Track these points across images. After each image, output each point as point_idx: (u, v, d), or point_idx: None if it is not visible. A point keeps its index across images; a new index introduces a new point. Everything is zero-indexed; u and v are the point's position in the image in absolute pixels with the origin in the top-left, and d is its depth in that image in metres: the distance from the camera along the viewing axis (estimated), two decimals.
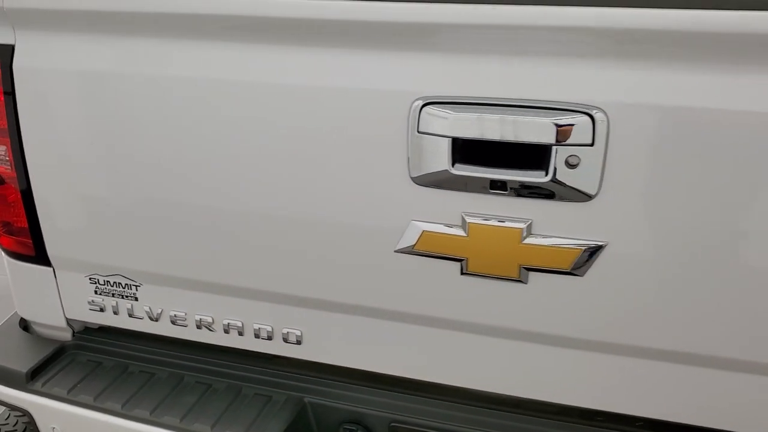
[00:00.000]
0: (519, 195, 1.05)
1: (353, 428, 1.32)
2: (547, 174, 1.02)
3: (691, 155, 0.98)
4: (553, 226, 1.06)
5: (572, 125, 0.99)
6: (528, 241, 1.08)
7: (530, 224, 1.07)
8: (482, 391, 1.24)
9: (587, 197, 1.03)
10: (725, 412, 1.13)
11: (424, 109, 1.05)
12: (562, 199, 1.04)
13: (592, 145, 1.00)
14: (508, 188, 1.05)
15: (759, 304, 1.03)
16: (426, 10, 1.02)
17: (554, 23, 0.97)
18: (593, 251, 1.06)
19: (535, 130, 1.01)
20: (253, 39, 1.10)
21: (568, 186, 1.02)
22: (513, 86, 1.02)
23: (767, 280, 1.01)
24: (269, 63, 1.11)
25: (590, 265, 1.07)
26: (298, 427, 1.32)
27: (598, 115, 0.98)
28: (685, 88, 0.96)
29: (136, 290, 1.41)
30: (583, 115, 0.99)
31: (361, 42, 1.07)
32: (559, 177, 1.02)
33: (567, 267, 1.07)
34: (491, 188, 1.06)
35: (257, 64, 1.12)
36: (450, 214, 1.10)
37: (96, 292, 1.44)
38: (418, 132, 1.06)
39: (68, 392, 1.39)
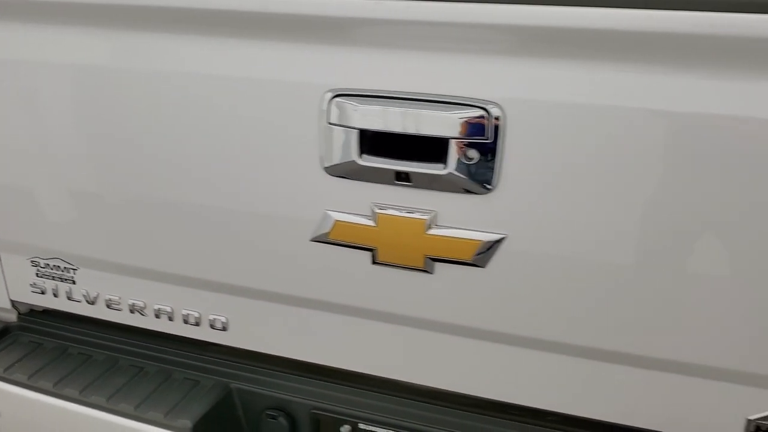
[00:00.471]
0: (422, 187, 1.09)
1: (275, 414, 1.35)
2: (446, 167, 1.06)
3: (585, 151, 1.01)
4: (455, 218, 1.09)
5: (468, 120, 1.02)
6: (432, 232, 1.11)
7: (434, 216, 1.10)
8: (397, 380, 1.27)
9: (485, 190, 1.05)
10: (630, 408, 1.15)
11: (333, 101, 1.09)
12: (462, 191, 1.07)
13: (488, 139, 1.03)
14: (412, 180, 1.09)
15: (657, 298, 1.05)
16: (337, 4, 1.05)
17: (455, 20, 1.01)
18: (493, 243, 1.09)
19: (434, 123, 1.04)
20: (166, 28, 1.14)
21: (466, 179, 1.05)
22: (415, 81, 1.05)
23: (663, 274, 1.04)
24: (184, 53, 1.15)
25: (491, 257, 1.10)
26: (221, 411, 1.35)
27: (493, 110, 1.01)
28: (580, 85, 0.99)
29: (74, 273, 1.46)
30: (479, 109, 1.02)
31: (275, 34, 1.11)
32: (457, 170, 1.05)
33: (469, 258, 1.10)
34: (397, 179, 1.09)
35: (174, 53, 1.16)
36: (360, 204, 1.14)
37: (37, 275, 1.49)
38: (328, 123, 1.10)
39: (4, 371, 1.43)
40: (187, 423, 1.28)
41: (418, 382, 1.26)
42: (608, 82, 0.98)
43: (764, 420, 1.07)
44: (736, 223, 0.97)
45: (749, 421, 1.08)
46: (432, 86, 1.05)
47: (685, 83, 0.94)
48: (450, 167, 1.05)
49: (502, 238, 1.08)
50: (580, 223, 1.05)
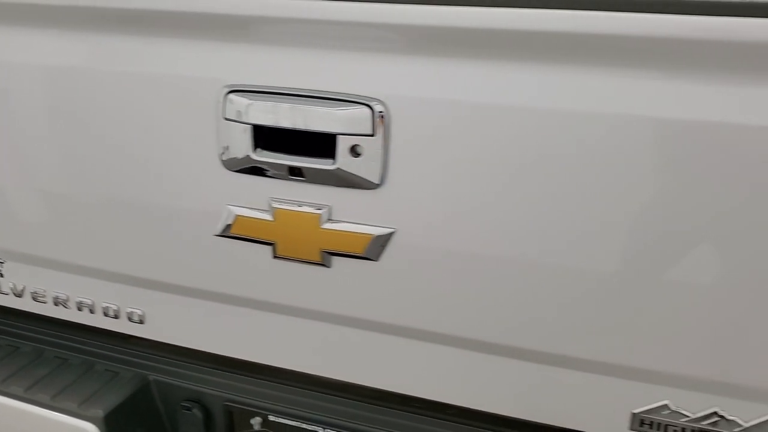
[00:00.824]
0: (315, 182, 1.10)
1: (189, 406, 1.37)
2: (335, 162, 1.08)
3: (469, 147, 1.03)
4: (347, 213, 1.11)
5: (353, 116, 1.04)
6: (326, 226, 1.12)
7: (328, 210, 1.12)
8: (305, 373, 1.29)
9: (373, 185, 1.07)
10: (521, 401, 1.17)
11: (228, 96, 1.11)
12: (351, 186, 1.08)
13: (372, 135, 1.05)
14: (305, 175, 1.11)
15: (542, 292, 1.07)
16: (233, 2, 1.08)
17: (341, 18, 1.03)
18: (384, 237, 1.10)
19: (321, 119, 1.06)
20: (65, 25, 1.17)
21: (353, 174, 1.07)
22: (305, 77, 1.07)
23: (548, 268, 1.05)
24: (86, 49, 1.18)
25: (383, 251, 1.11)
26: (138, 402, 1.38)
27: (377, 107, 1.03)
28: (463, 83, 1.01)
29: (1, 266, 1.48)
30: (363, 106, 1.04)
31: (176, 31, 1.13)
32: (344, 165, 1.07)
33: (361, 252, 1.12)
34: (291, 174, 1.12)
35: (75, 49, 1.18)
36: (258, 199, 1.16)
37: None
38: (225, 119, 1.12)
39: None
40: (99, 413, 1.30)
41: (323, 375, 1.28)
42: (491, 79, 1.00)
43: (647, 413, 1.08)
44: (610, 220, 0.99)
45: (634, 414, 1.09)
46: (320, 83, 1.07)
47: (556, 79, 0.96)
48: (338, 162, 1.07)
49: (392, 233, 1.10)
50: (467, 218, 1.06)
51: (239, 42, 1.11)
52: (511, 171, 1.02)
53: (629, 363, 1.07)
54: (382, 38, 1.03)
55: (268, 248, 1.18)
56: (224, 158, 1.14)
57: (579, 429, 1.14)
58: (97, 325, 1.42)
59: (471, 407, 1.20)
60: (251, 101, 1.09)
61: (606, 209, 0.99)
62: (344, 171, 1.07)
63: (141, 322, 1.38)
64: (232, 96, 1.10)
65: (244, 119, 1.10)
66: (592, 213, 1.00)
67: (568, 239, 1.02)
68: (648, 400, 1.08)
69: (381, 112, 1.03)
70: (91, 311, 1.42)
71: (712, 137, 0.92)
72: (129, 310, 1.38)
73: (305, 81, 1.07)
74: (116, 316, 1.40)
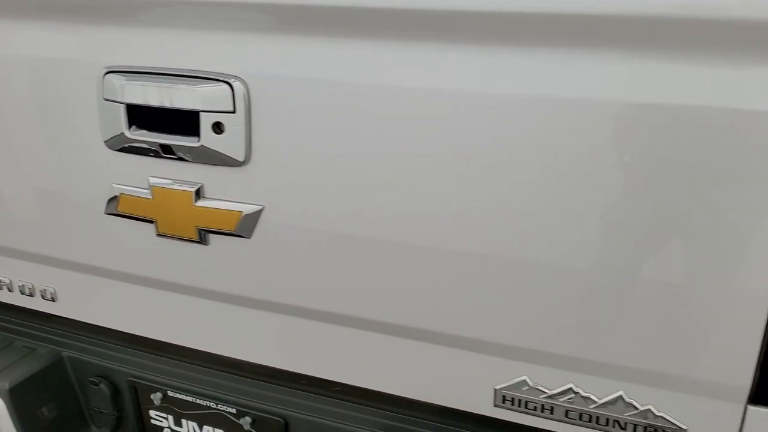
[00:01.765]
0: (186, 159, 1.13)
1: (96, 381, 1.41)
2: (200, 139, 1.10)
3: (329, 125, 1.04)
4: (218, 190, 1.14)
5: (213, 93, 1.06)
6: (199, 203, 1.15)
7: (201, 188, 1.14)
8: (200, 350, 1.32)
9: (239, 162, 1.10)
10: (391, 376, 1.18)
11: (106, 77, 1.14)
12: (219, 163, 1.11)
13: (234, 112, 1.07)
14: (176, 153, 1.13)
15: (410, 269, 1.08)
16: None
17: None
18: (253, 214, 1.13)
19: (184, 97, 1.08)
20: None
21: (218, 151, 1.09)
22: (172, 57, 1.10)
23: (412, 246, 1.06)
24: None
25: (254, 228, 1.14)
26: (49, 377, 1.42)
27: (236, 85, 1.06)
28: (322, 61, 1.03)
29: None
30: (222, 83, 1.06)
31: (61, 15, 1.17)
32: (208, 142, 1.09)
33: (232, 229, 1.14)
34: (164, 153, 1.15)
35: None
36: (139, 177, 1.19)
37: None
38: (104, 99, 1.16)
39: None
40: (5, 385, 1.35)
41: (215, 352, 1.31)
42: (349, 57, 1.01)
43: (508, 389, 1.08)
44: (474, 202, 1.00)
45: (496, 390, 1.09)
46: (185, 62, 1.09)
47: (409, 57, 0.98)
48: (202, 140, 1.10)
49: (261, 209, 1.12)
50: (333, 195, 1.08)
51: (117, 25, 1.14)
52: (370, 148, 1.03)
53: (488, 338, 1.07)
54: (241, 17, 1.05)
55: (151, 226, 1.22)
56: (106, 138, 1.18)
57: (448, 405, 1.15)
58: (16, 303, 1.48)
59: (352, 384, 1.21)
60: (124, 81, 1.13)
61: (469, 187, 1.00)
62: (208, 148, 1.10)
63: (53, 299, 1.43)
64: (109, 76, 1.14)
65: (119, 99, 1.14)
66: (455, 193, 1.00)
67: (432, 219, 1.03)
68: (508, 376, 1.08)
69: (241, 89, 1.06)
70: (9, 290, 1.48)
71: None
72: (42, 288, 1.43)
73: (172, 61, 1.10)
74: (31, 294, 1.45)
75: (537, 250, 0.99)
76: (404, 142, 1.00)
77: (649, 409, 1.01)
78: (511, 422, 1.11)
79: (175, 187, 1.16)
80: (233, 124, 1.08)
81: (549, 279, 0.99)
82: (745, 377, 0.94)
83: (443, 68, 0.96)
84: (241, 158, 1.09)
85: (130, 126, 1.14)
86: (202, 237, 1.18)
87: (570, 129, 0.91)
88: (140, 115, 1.15)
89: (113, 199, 1.22)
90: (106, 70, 1.14)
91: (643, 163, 0.89)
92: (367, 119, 1.02)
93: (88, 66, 1.16)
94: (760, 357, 0.93)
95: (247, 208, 1.13)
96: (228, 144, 1.09)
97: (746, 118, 0.84)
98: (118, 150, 1.17)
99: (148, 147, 1.15)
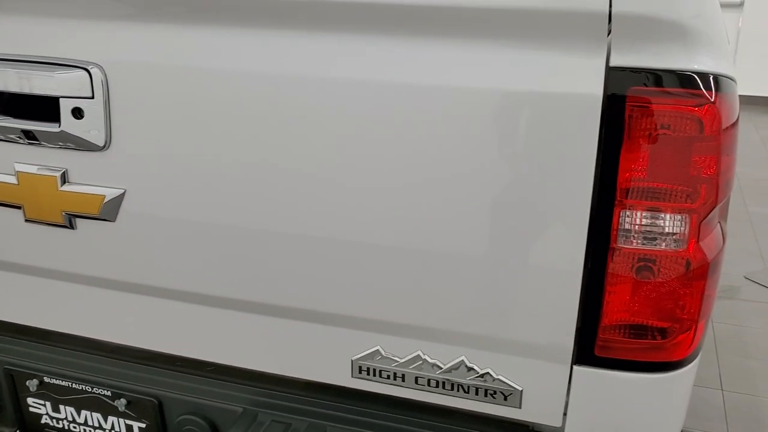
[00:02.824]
0: (49, 145, 1.15)
1: None
2: (60, 125, 1.12)
3: (185, 111, 1.08)
4: (81, 175, 1.16)
5: (72, 79, 1.09)
6: (64, 188, 1.17)
7: (64, 173, 1.17)
8: (73, 335, 1.34)
9: (99, 147, 1.13)
10: (253, 352, 1.22)
11: None
12: (80, 148, 1.14)
13: (92, 98, 1.10)
14: (39, 138, 1.15)
15: (268, 246, 1.13)
16: None
17: None
18: (115, 199, 1.16)
19: (44, 83, 1.11)
20: None
21: (77, 136, 1.12)
22: (32, 44, 1.12)
23: (270, 228, 1.12)
24: None
25: (117, 212, 1.17)
26: None
27: (94, 71, 1.09)
28: (177, 48, 1.07)
29: None
30: (81, 70, 1.09)
31: None
32: (68, 127, 1.12)
33: (97, 213, 1.17)
34: (28, 138, 1.16)
35: None
36: (5, 163, 1.21)
37: None
38: None
39: None
40: None
41: (89, 337, 1.33)
42: (202, 44, 1.06)
43: (363, 360, 1.15)
44: (321, 187, 1.06)
45: (353, 361, 1.16)
46: (44, 50, 1.12)
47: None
48: (63, 125, 1.12)
49: (122, 193, 1.16)
50: (187, 179, 1.12)
51: None
52: (223, 132, 1.08)
53: (343, 312, 1.13)
54: (97, 4, 1.09)
55: (19, 211, 1.23)
56: None
57: (311, 379, 1.21)
58: None
59: (222, 363, 1.25)
60: None
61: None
62: (69, 133, 1.12)
63: None
64: None
65: None
66: (291, 176, 1.06)
67: (269, 200, 1.08)
68: (363, 347, 1.15)
69: (99, 76, 1.09)
70: None
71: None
72: None
73: (32, 48, 1.12)
74: None
75: (381, 231, 1.06)
76: (256, 126, 1.06)
77: (488, 372, 1.09)
78: (369, 392, 1.18)
79: (40, 172, 1.18)
80: (92, 110, 1.11)
81: (394, 256, 1.07)
82: (568, 340, 1.04)
83: (290, 54, 1.03)
84: (100, 143, 1.12)
85: None
86: (69, 222, 1.20)
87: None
88: (1, 102, 1.17)
89: None
90: None
91: (455, 141, 0.98)
92: (221, 105, 1.07)
93: None
94: (578, 323, 1.03)
95: (110, 193, 1.16)
96: (88, 129, 1.12)
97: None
98: None
99: (9, 133, 1.16)
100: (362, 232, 1.06)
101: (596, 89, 0.91)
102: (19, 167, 1.19)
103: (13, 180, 1.20)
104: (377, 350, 1.14)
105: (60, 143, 1.14)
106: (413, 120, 0.99)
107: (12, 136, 1.17)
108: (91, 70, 1.09)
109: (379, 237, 1.06)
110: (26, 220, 1.23)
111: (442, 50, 0.97)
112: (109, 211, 1.17)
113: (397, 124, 1.00)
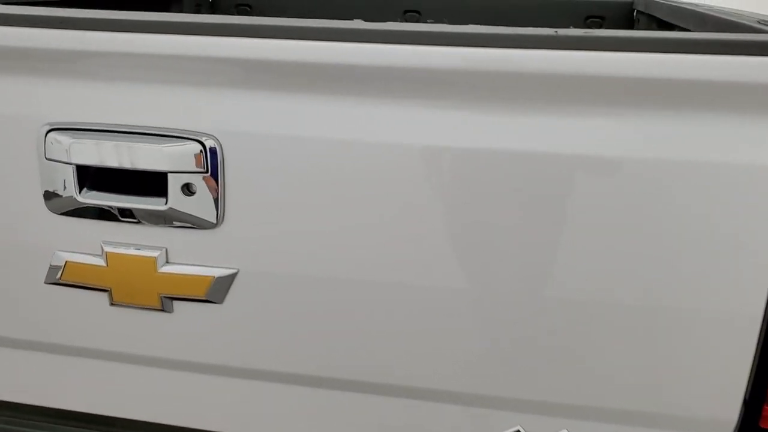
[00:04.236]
0: (149, 223, 1.04)
1: None
2: (167, 202, 1.01)
3: (307, 182, 0.99)
4: (186, 255, 1.05)
5: (184, 153, 0.98)
6: (164, 269, 1.06)
7: (165, 252, 1.05)
8: (150, 423, 1.21)
9: (211, 224, 1.02)
10: None
11: (49, 135, 1.02)
12: (188, 226, 1.02)
13: (206, 172, 0.99)
14: (137, 216, 1.04)
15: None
16: (45, 37, 0.99)
17: (165, 51, 0.97)
18: (225, 279, 1.05)
19: (149, 157, 0.99)
20: None
21: (188, 213, 1.01)
22: (130, 113, 1.00)
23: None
24: None
25: (226, 293, 1.06)
26: None
27: (209, 143, 0.98)
28: (297, 118, 0.98)
29: None
30: (194, 142, 0.98)
31: None
32: (177, 204, 1.01)
33: (203, 295, 1.06)
34: (122, 216, 1.04)
35: None
36: (90, 243, 1.07)
37: None
38: (47, 159, 1.03)
39: None
40: None
41: (176, 424, 1.21)
42: (323, 114, 0.98)
43: None
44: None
45: None
46: (148, 119, 1.00)
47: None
48: (171, 202, 1.01)
49: (235, 273, 1.05)
50: (307, 254, 1.03)
51: (59, 77, 1.03)
52: (350, 203, 0.99)
53: (483, 392, 1.06)
54: (210, 71, 0.98)
55: (104, 294, 1.10)
56: (49, 201, 1.05)
57: None
58: None
59: None
60: (73, 140, 1.01)
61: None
62: (178, 211, 1.01)
63: None
64: (53, 134, 1.02)
65: (66, 159, 1.02)
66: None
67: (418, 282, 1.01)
68: (502, 428, 1.08)
69: (213, 147, 0.98)
70: None
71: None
72: None
73: (132, 117, 1.00)
74: None
75: (538, 306, 1.00)
76: (391, 201, 0.98)
77: None
78: None
79: (135, 252, 1.06)
80: (205, 185, 1.00)
81: (545, 328, 1.00)
82: (731, 412, 1.00)
83: (434, 124, 0.95)
84: (213, 220, 1.01)
85: (80, 188, 1.03)
86: (165, 305, 1.08)
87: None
88: (89, 176, 1.04)
89: (57, 268, 1.09)
90: (48, 128, 1.02)
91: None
92: (349, 178, 0.98)
93: (24, 122, 1.04)
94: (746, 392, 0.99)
95: (219, 272, 1.05)
96: (199, 205, 1.01)
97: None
98: (64, 214, 1.05)
99: (102, 211, 1.04)
100: (515, 311, 1.00)
101: None
102: (108, 248, 1.06)
103: (100, 262, 1.07)
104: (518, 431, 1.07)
105: (164, 221, 1.02)
106: (629, 191, 0.94)
107: (103, 214, 1.04)
108: (204, 142, 0.99)
109: (531, 312, 0.99)
110: (111, 304, 1.10)
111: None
112: (216, 292, 1.06)
113: (616, 197, 0.94)
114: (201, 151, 0.98)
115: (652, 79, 0.89)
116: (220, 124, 0.99)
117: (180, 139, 0.99)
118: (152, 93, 1.00)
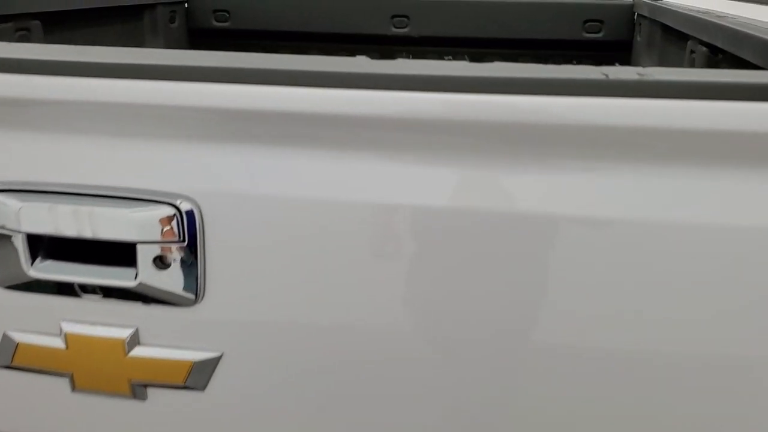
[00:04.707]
0: (117, 299, 0.88)
1: None
2: (137, 276, 0.85)
3: (302, 250, 0.84)
4: (161, 336, 0.88)
5: (153, 218, 0.82)
6: (135, 352, 0.89)
7: (135, 333, 0.89)
8: None
9: (189, 301, 0.86)
10: None
11: None
12: (162, 304, 0.86)
13: (182, 241, 0.83)
14: (102, 292, 0.88)
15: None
16: None
17: (136, 99, 0.82)
18: (207, 363, 0.89)
19: (114, 224, 0.83)
20: None
21: (162, 290, 0.85)
22: (92, 171, 0.84)
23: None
24: None
25: (208, 379, 0.90)
26: None
27: (184, 206, 0.82)
28: (288, 175, 0.83)
29: None
30: (166, 205, 0.83)
31: None
32: (149, 279, 0.84)
33: (181, 382, 0.90)
34: (84, 291, 0.88)
35: None
36: (47, 322, 0.91)
37: None
38: None
39: None
40: None
41: None
42: (319, 171, 0.82)
43: None
44: None
45: None
46: (113, 178, 0.84)
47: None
48: (142, 277, 0.85)
49: (218, 357, 0.89)
50: (303, 329, 0.87)
51: (6, 129, 0.86)
52: (352, 269, 0.84)
53: None
54: (186, 122, 0.83)
55: (65, 380, 0.93)
56: None
57: None
58: None
59: None
60: (23, 203, 0.85)
61: None
62: (150, 287, 0.85)
63: None
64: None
65: (13, 227, 0.86)
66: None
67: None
68: None
69: (189, 210, 0.83)
70: None
71: None
72: None
73: (93, 176, 0.84)
74: None
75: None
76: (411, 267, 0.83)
77: None
78: None
79: (100, 333, 0.89)
80: (182, 256, 0.84)
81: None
82: None
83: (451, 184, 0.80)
84: (192, 297, 0.85)
85: (33, 259, 0.87)
86: (137, 392, 0.92)
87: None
88: (43, 245, 0.88)
89: (8, 351, 0.92)
90: None
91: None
92: (352, 244, 0.83)
93: None
94: None
95: (200, 356, 0.88)
96: (176, 280, 0.85)
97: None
98: (16, 289, 0.89)
99: (58, 286, 0.88)
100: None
101: None
102: (68, 328, 0.90)
103: (59, 343, 0.90)
104: None
105: (133, 298, 0.86)
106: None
107: (59, 290, 0.88)
108: (179, 205, 0.83)
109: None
110: (73, 390, 0.94)
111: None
112: (197, 379, 0.89)
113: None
114: (175, 215, 0.83)
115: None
116: (198, 183, 0.83)
117: (150, 203, 0.83)
118: (117, 148, 0.84)
